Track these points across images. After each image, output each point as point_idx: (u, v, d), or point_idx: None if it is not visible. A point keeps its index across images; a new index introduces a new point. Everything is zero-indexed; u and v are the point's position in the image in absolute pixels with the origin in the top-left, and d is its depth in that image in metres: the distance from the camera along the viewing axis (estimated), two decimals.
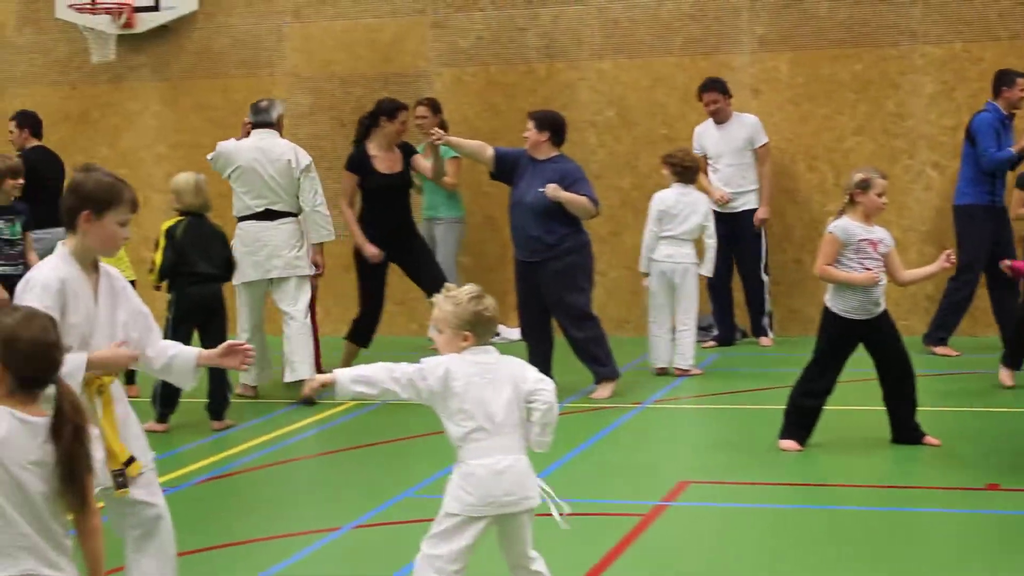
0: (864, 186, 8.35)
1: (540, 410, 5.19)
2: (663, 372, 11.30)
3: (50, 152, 12.07)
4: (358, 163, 11.08)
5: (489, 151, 10.70)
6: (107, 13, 14.50)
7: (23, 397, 3.88)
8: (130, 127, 14.93)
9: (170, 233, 9.75)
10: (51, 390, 3.95)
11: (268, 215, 10.64)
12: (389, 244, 11.02)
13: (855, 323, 8.39)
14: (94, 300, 5.06)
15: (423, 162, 11.19)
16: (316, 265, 10.95)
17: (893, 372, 8.54)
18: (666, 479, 8.01)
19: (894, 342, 8.52)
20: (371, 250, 10.93)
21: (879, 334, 8.46)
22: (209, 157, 10.90)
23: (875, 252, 8.34)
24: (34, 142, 12.13)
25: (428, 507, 7.49)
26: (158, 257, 9.75)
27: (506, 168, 10.64)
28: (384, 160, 11.05)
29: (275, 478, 8.52)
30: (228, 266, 10.03)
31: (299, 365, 10.44)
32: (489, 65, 13.93)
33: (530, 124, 10.57)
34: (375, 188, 11.04)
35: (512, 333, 13.49)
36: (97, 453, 5.01)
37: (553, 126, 10.56)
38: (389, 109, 11.03)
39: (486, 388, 5.15)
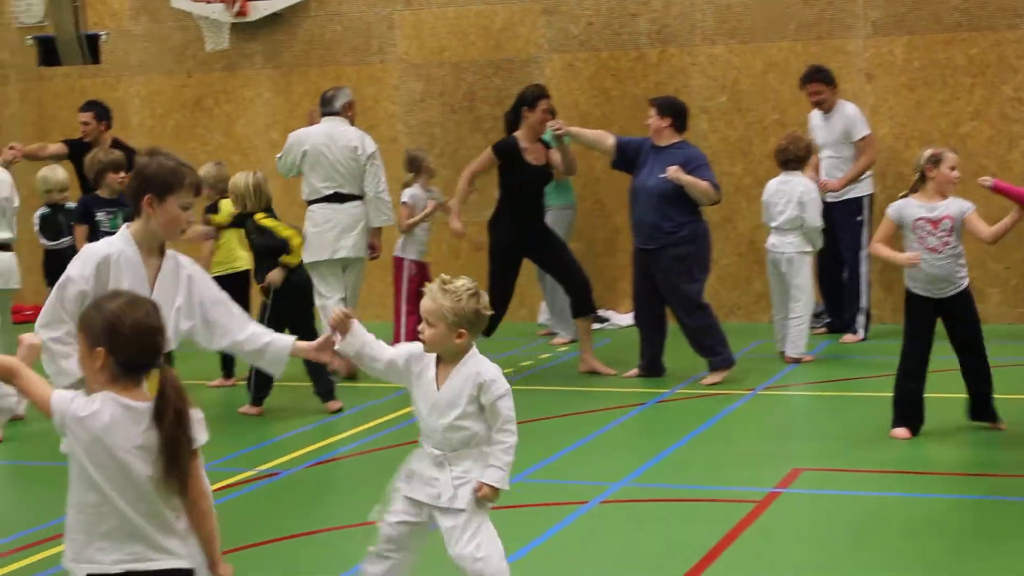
0: (935, 160, 8.26)
1: None
2: (783, 357, 11.21)
3: (126, 145, 12.20)
4: (509, 152, 10.82)
5: (610, 140, 10.67)
6: (221, 2, 14.67)
7: (126, 382, 3.88)
8: (243, 114, 15.09)
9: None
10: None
11: (337, 198, 10.80)
12: (528, 238, 10.88)
13: (926, 300, 8.33)
14: (149, 283, 5.06)
15: (554, 155, 11.05)
16: (372, 248, 11.08)
17: (964, 354, 8.46)
18: (779, 466, 7.94)
19: (965, 325, 8.41)
20: (457, 225, 10.90)
21: (952, 315, 8.38)
22: (278, 156, 11.13)
23: (936, 230, 8.23)
24: (108, 134, 12.31)
25: (538, 491, 7.55)
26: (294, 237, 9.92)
27: (628, 157, 10.60)
28: (532, 152, 10.89)
29: (382, 462, 8.54)
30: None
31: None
32: (600, 51, 13.89)
33: (652, 111, 10.52)
34: (525, 180, 10.85)
35: (622, 319, 13.48)
36: None
37: (675, 112, 10.50)
38: (530, 99, 10.85)
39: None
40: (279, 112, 14.84)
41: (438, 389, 5.10)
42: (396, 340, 10.81)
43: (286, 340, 5.33)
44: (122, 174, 9.99)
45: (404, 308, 11.39)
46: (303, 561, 6.53)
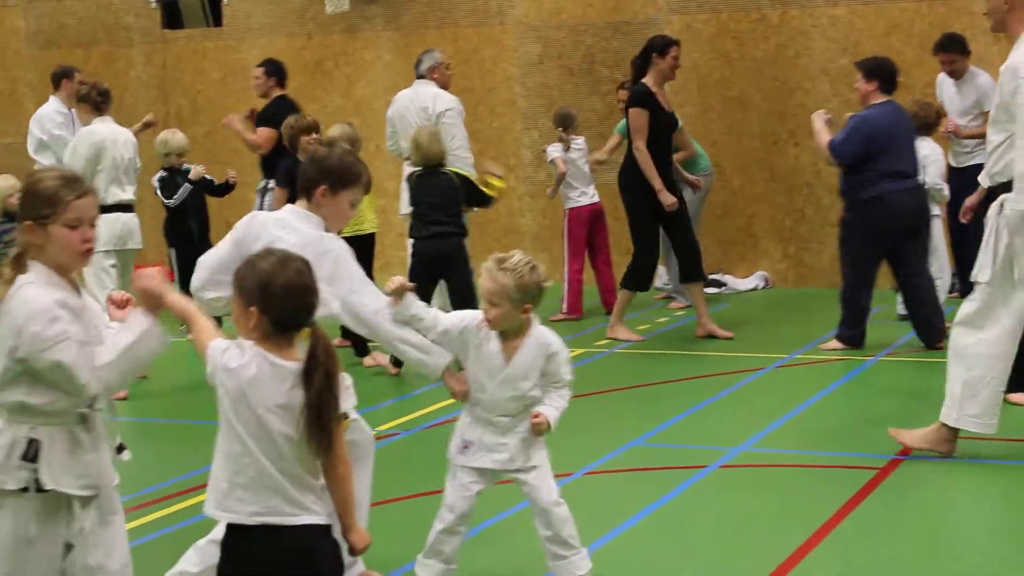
0: None
1: None
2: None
3: (292, 102, 12.34)
4: (647, 98, 10.76)
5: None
6: None
7: (278, 341, 3.90)
8: (363, 77, 15.18)
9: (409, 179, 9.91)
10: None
11: None
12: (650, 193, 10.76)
13: None
14: None
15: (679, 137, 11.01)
16: None
17: None
18: None
19: None
20: (668, 198, 10.68)
21: None
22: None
23: None
24: (278, 91, 12.40)
25: (657, 455, 7.56)
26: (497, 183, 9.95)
27: None
28: (661, 96, 10.86)
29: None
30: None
31: None
32: (720, 12, 13.76)
33: (858, 75, 10.31)
34: (661, 128, 10.80)
35: (740, 283, 13.40)
36: None
37: (882, 73, 10.25)
38: (660, 45, 10.82)
39: None
40: (398, 75, 14.86)
41: (507, 363, 5.18)
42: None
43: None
44: (314, 135, 10.22)
45: (567, 253, 11.89)
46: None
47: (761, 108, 13.57)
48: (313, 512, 3.92)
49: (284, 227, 5.19)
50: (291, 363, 3.89)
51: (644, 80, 10.80)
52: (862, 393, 9.13)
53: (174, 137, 11.15)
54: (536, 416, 5.18)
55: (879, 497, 6.69)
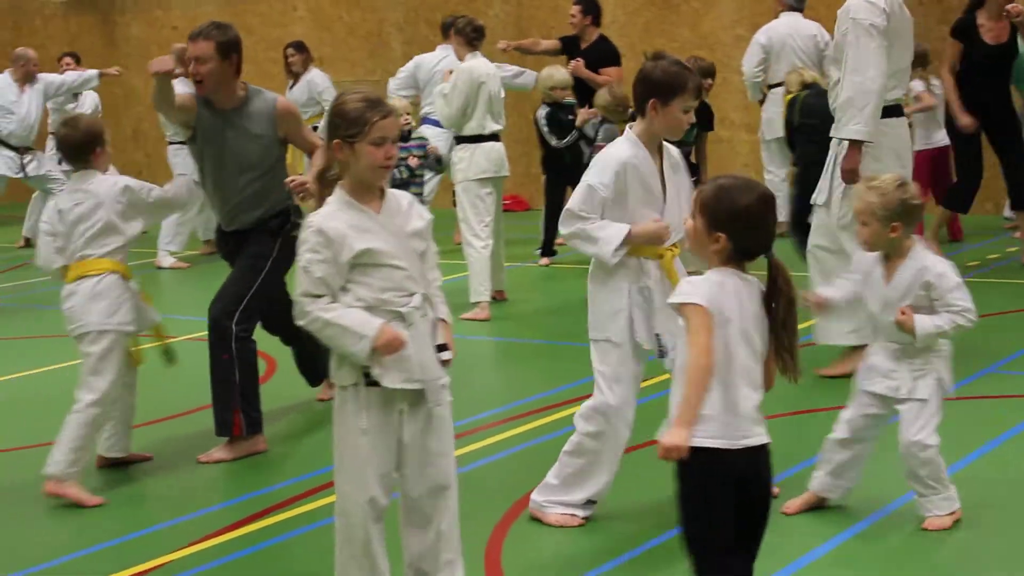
0: None
1: None
2: None
3: (610, 42, 12.63)
4: (963, 30, 10.97)
5: None
6: None
7: (736, 265, 3.98)
8: (710, 10, 15.35)
9: (790, 105, 10.01)
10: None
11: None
12: (979, 118, 10.89)
13: None
14: (660, 179, 5.47)
15: None
16: None
17: None
18: None
19: None
20: (965, 120, 10.86)
21: None
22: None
23: None
24: (593, 29, 12.68)
25: (1005, 383, 7.59)
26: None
27: None
28: (991, 30, 10.85)
29: None
30: None
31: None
32: None
33: None
34: (977, 59, 10.85)
35: None
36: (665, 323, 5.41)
37: None
38: None
39: None
40: (745, 7, 15.02)
41: (886, 286, 5.31)
42: None
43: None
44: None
45: None
46: None
47: None
48: (764, 434, 4.01)
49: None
50: (754, 279, 3.99)
51: (979, 11, 10.91)
52: None
53: (557, 72, 11.77)
54: (903, 312, 5.22)
55: None
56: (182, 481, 6.67)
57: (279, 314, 6.86)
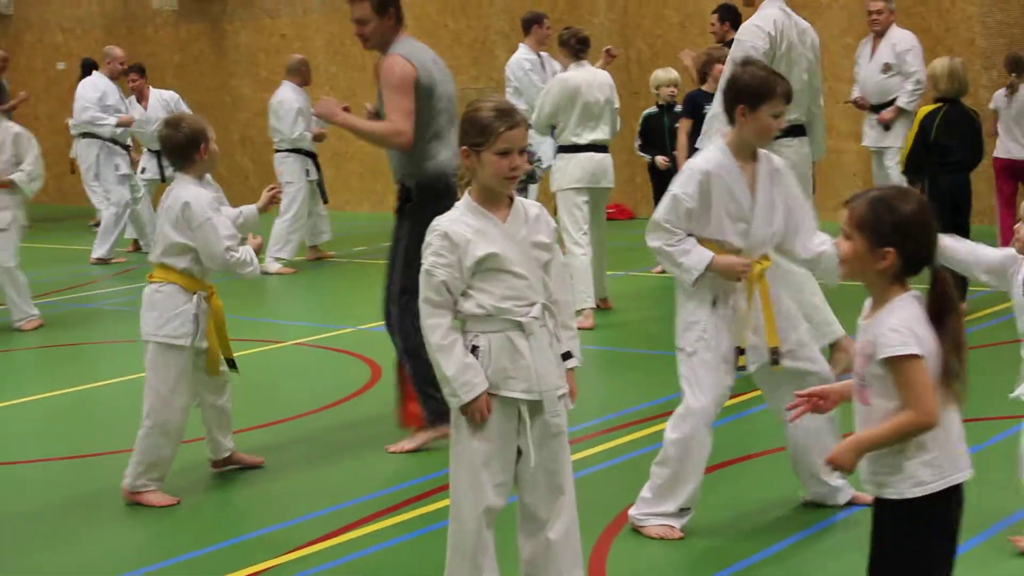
0: None
1: None
2: None
3: None
4: None
5: None
6: None
7: (904, 281, 3.75)
8: (818, 18, 15.22)
9: (924, 120, 9.90)
10: None
11: None
12: None
13: None
14: (749, 189, 5.45)
15: None
16: None
17: None
18: None
19: None
20: None
21: None
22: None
23: None
24: (733, 35, 12.64)
25: None
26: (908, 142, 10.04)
27: None
28: None
29: None
30: (976, 154, 9.97)
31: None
32: None
33: None
34: None
35: None
36: (751, 337, 5.48)
37: None
38: None
39: None
40: (855, 16, 14.90)
41: None
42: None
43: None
44: (718, 67, 10.50)
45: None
46: None
47: None
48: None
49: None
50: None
51: None
52: None
53: (666, 75, 12.02)
54: None
55: None
56: (292, 485, 6.74)
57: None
